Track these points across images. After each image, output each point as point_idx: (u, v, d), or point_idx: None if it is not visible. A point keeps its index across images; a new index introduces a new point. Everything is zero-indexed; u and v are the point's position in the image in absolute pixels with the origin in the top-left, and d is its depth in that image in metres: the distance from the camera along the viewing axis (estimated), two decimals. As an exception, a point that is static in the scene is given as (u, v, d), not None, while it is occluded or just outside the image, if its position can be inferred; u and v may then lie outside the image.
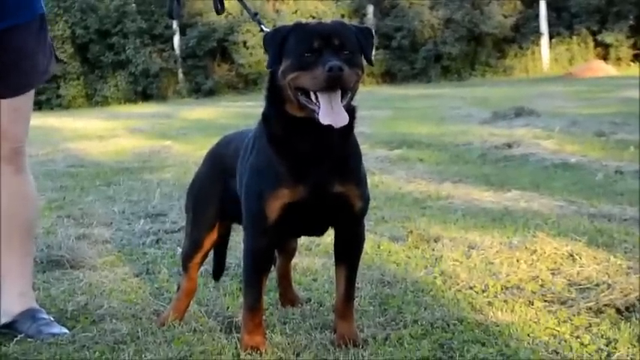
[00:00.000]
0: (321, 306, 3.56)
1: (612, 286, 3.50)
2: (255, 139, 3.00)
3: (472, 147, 9.07)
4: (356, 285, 3.20)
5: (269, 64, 2.87)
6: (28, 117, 3.44)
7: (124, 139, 11.98)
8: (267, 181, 2.89)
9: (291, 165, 2.88)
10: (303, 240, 4.37)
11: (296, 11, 25.37)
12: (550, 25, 24.94)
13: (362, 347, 2.99)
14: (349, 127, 2.85)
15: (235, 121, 12.62)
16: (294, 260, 3.74)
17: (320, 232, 3.16)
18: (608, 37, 24.04)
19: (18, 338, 3.28)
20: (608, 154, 8.03)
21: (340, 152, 2.91)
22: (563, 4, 25.01)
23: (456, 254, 4.32)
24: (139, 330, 3.28)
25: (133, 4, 26.16)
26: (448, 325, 3.19)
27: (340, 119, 2.74)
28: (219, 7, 3.61)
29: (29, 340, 3.27)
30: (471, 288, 3.72)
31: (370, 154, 8.21)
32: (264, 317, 3.12)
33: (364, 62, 2.89)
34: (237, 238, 3.94)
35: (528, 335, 3.08)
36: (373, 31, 3.06)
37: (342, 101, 2.76)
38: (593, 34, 24.36)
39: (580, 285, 3.67)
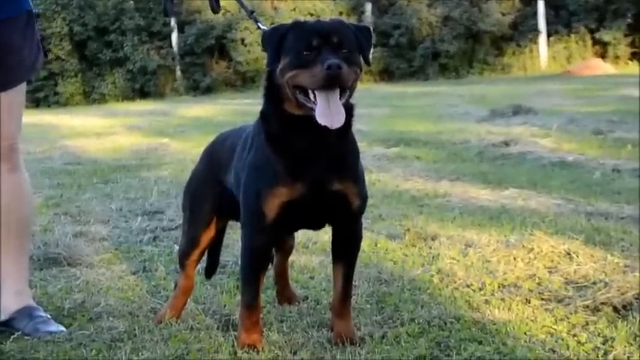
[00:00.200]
0: (318, 304, 3.56)
1: (609, 284, 3.50)
2: (252, 137, 3.00)
3: (470, 145, 9.07)
4: (353, 283, 3.21)
5: (268, 62, 2.87)
6: (19, 113, 3.43)
7: (121, 137, 11.97)
8: (265, 180, 2.89)
9: (289, 163, 2.88)
10: (300, 238, 4.37)
11: (294, 9, 25.34)
12: (548, 23, 24.94)
13: (359, 345, 2.99)
14: (347, 125, 2.85)
15: (233, 119, 12.60)
16: (291, 258, 3.74)
17: (317, 228, 3.16)
18: (606, 36, 24.03)
19: (15, 336, 3.28)
20: (606, 152, 8.04)
21: (338, 150, 2.91)
22: (561, 2, 24.99)
23: (453, 252, 4.32)
24: (136, 328, 3.28)
25: (131, 2, 26.15)
26: (445, 323, 3.19)
27: (337, 119, 2.74)
28: (215, 6, 3.61)
29: (26, 338, 3.27)
30: (468, 286, 3.72)
31: (368, 152, 8.21)
32: (261, 315, 3.12)
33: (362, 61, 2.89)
34: (234, 235, 3.94)
35: (525, 333, 3.08)
36: (372, 29, 3.05)
37: (340, 100, 2.76)
38: (591, 32, 24.35)
39: (577, 283, 3.67)
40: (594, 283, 3.63)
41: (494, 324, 3.17)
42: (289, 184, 2.87)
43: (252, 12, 3.46)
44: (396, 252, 4.44)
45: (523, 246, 4.25)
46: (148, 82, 25.81)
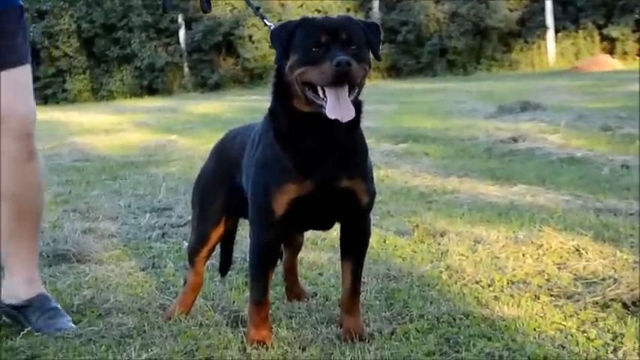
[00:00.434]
0: (327, 300, 3.57)
1: (618, 280, 3.50)
2: (261, 134, 3.00)
3: (478, 141, 9.05)
4: (362, 279, 3.21)
5: (277, 59, 2.87)
6: (26, 92, 3.41)
7: (129, 134, 11.99)
8: (273, 177, 2.89)
9: (298, 160, 2.87)
10: (309, 234, 4.37)
11: (301, 5, 25.35)
12: (556, 19, 24.88)
13: (368, 341, 2.99)
14: (355, 121, 2.84)
15: (241, 116, 12.62)
16: (300, 254, 3.74)
17: (326, 227, 3.16)
18: (614, 31, 23.96)
19: (24, 332, 3.29)
20: (615, 148, 8.01)
21: (346, 147, 2.90)
22: (568, -2, 24.97)
23: (461, 248, 4.32)
24: (145, 324, 3.29)
25: (139, -2, 26.20)
26: (454, 320, 3.19)
27: (348, 114, 2.74)
28: (206, 6, 3.60)
29: (35, 334, 3.28)
30: (477, 282, 3.72)
31: (376, 149, 8.21)
32: (270, 311, 3.12)
33: (371, 57, 2.89)
34: (244, 232, 3.94)
35: (534, 330, 3.08)
36: (379, 25, 3.05)
37: (349, 96, 2.76)
38: (599, 28, 24.28)
39: (586, 279, 3.67)
40: (603, 279, 3.62)
41: (504, 320, 3.17)
42: (298, 181, 2.87)
43: (257, 8, 3.45)
44: (405, 248, 4.44)
45: (532, 242, 4.25)
46: (155, 79, 25.86)
